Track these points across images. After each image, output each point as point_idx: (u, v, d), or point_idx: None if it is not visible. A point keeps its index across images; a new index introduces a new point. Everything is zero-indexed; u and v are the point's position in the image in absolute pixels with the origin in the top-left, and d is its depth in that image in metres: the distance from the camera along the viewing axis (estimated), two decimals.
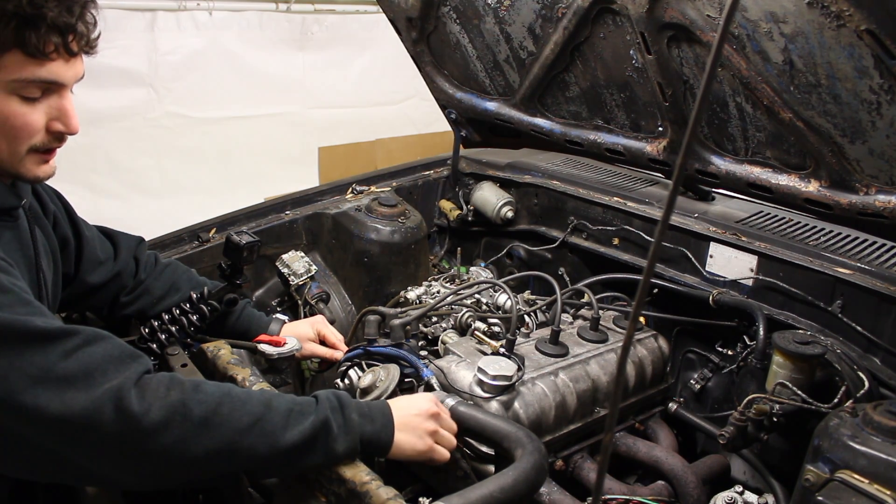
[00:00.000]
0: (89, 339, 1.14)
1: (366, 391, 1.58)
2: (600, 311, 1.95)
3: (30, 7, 1.14)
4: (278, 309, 2.28)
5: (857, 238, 1.99)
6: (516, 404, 1.61)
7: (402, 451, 1.34)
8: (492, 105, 2.54)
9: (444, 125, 2.83)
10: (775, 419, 1.64)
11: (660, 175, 2.43)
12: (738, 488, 1.66)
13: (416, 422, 1.36)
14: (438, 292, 2.29)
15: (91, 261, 1.63)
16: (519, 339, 1.81)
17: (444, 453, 1.40)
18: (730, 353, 2.01)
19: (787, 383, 1.65)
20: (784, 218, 2.15)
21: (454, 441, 1.43)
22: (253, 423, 1.19)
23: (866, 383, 1.65)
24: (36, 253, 1.39)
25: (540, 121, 2.44)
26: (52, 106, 1.24)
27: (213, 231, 2.21)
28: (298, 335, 1.81)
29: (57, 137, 1.27)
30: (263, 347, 1.74)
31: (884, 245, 1.95)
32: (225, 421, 1.17)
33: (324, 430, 1.23)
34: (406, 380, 1.62)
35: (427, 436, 1.37)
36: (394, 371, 1.59)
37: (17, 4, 1.14)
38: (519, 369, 1.62)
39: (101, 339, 1.16)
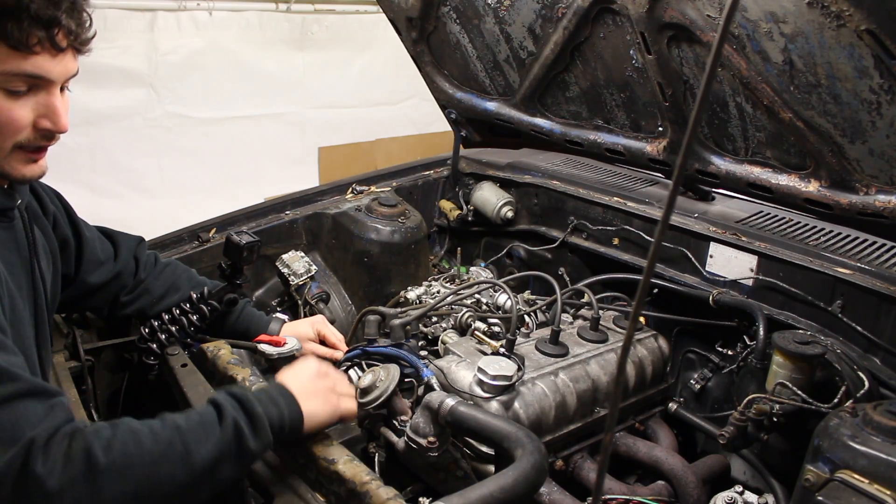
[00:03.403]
0: (17, 392, 1.07)
1: (366, 391, 1.58)
2: (600, 311, 1.95)
3: (26, 2, 1.11)
4: (278, 309, 2.28)
5: (857, 238, 1.99)
6: (516, 404, 1.61)
7: (314, 419, 1.33)
8: (492, 105, 2.54)
9: (444, 125, 2.83)
10: (775, 419, 1.64)
11: (660, 175, 2.43)
12: (738, 488, 1.66)
13: (314, 385, 1.35)
14: (438, 292, 2.29)
15: (91, 261, 1.63)
16: (519, 339, 1.81)
17: (352, 406, 1.42)
18: (730, 353, 2.01)
19: (787, 383, 1.65)
20: (784, 218, 2.15)
21: (352, 391, 1.44)
22: (165, 450, 1.12)
23: (866, 383, 1.65)
24: (35, 254, 1.38)
25: (540, 121, 2.44)
26: (40, 102, 1.20)
27: (213, 231, 2.21)
28: (298, 335, 1.81)
29: (45, 136, 1.23)
30: (263, 347, 1.74)
31: (884, 245, 1.95)
32: (135, 458, 1.10)
33: (236, 435, 1.19)
34: (406, 380, 1.62)
35: (330, 394, 1.37)
36: (394, 371, 1.59)
37: None
38: (519, 369, 1.62)
39: (25, 391, 1.07)
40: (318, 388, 1.37)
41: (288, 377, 1.37)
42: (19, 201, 1.34)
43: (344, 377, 1.44)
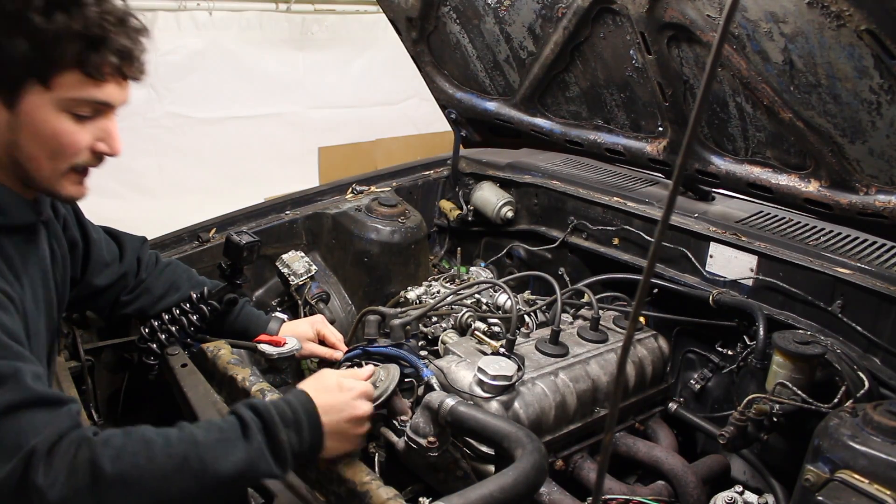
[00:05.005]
0: (25, 401, 1.05)
1: None
2: (600, 311, 1.95)
3: (98, 29, 1.16)
4: (278, 309, 2.28)
5: (857, 238, 1.99)
6: (516, 404, 1.61)
7: (331, 454, 1.31)
8: (492, 105, 2.54)
9: (444, 125, 2.83)
10: (775, 419, 1.64)
11: (660, 175, 2.43)
12: (738, 488, 1.66)
13: (346, 428, 1.31)
14: (438, 292, 2.29)
15: (98, 263, 1.63)
16: (519, 339, 1.81)
17: (362, 443, 1.39)
18: (730, 353, 2.01)
19: (787, 383, 1.65)
20: (784, 218, 2.15)
21: (368, 424, 1.39)
22: (180, 465, 1.09)
23: (866, 383, 1.65)
24: (53, 265, 1.39)
25: (540, 121, 2.44)
26: (99, 127, 1.25)
27: (213, 231, 2.21)
28: (298, 335, 1.81)
29: (98, 158, 1.28)
30: (263, 347, 1.74)
31: (884, 245, 1.95)
32: (145, 472, 1.06)
33: (257, 459, 1.16)
34: (406, 380, 1.62)
35: (355, 438, 1.34)
36: (394, 371, 1.58)
37: (85, 25, 1.15)
38: (519, 369, 1.62)
39: (33, 400, 1.06)
40: (350, 431, 1.32)
41: (328, 405, 1.29)
42: (43, 215, 1.36)
43: (369, 406, 1.39)
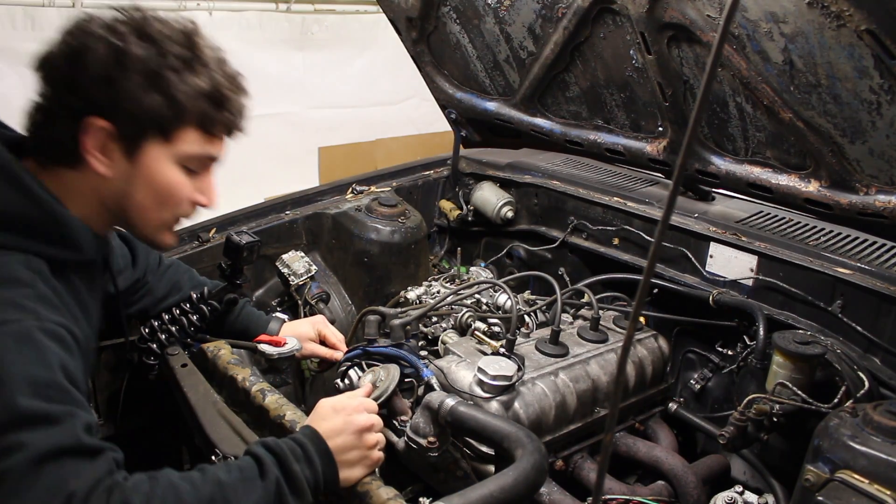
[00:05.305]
0: (71, 449, 1.05)
1: None
2: (600, 311, 1.95)
3: (221, 90, 1.25)
4: (278, 309, 2.28)
5: (857, 238, 1.99)
6: (516, 404, 1.61)
7: (349, 480, 1.31)
8: (492, 105, 2.54)
9: (444, 125, 2.83)
10: (775, 419, 1.64)
11: (660, 175, 2.43)
12: (738, 488, 1.66)
13: (354, 443, 1.31)
14: (438, 292, 2.29)
15: (113, 270, 1.63)
16: (519, 339, 1.81)
17: (381, 455, 1.38)
18: (730, 353, 2.01)
19: (787, 383, 1.65)
20: (784, 218, 2.15)
21: (383, 438, 1.39)
22: None
23: (866, 383, 1.65)
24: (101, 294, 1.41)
25: (540, 121, 2.44)
26: (202, 180, 1.32)
27: (213, 231, 2.21)
28: (299, 335, 1.81)
29: (193, 209, 1.35)
30: (264, 347, 1.73)
31: (884, 245, 1.95)
32: None
33: (277, 493, 1.17)
34: (406, 380, 1.62)
35: (369, 453, 1.34)
36: (394, 371, 1.59)
37: (213, 86, 1.24)
38: (519, 369, 1.62)
39: (78, 449, 1.06)
40: (361, 457, 1.32)
41: (325, 430, 1.30)
42: (107, 250, 1.39)
43: (379, 422, 1.39)
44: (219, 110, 1.26)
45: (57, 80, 1.20)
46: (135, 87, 1.18)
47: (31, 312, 1.11)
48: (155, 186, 1.25)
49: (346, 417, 1.33)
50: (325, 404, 1.37)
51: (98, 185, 1.24)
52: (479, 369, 1.60)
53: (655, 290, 2.11)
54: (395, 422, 1.55)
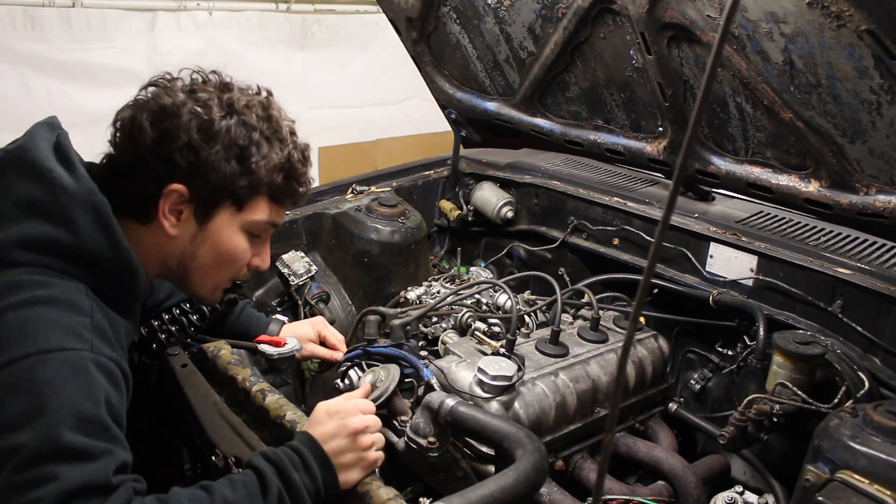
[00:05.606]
0: (101, 487, 1.07)
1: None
2: (600, 311, 1.95)
3: (293, 163, 1.33)
4: (278, 309, 2.28)
5: (857, 238, 1.99)
6: (516, 404, 1.61)
7: (349, 483, 1.31)
8: (492, 105, 2.54)
9: (444, 125, 2.83)
10: (775, 419, 1.64)
11: (660, 175, 2.43)
12: (738, 488, 1.66)
13: (350, 446, 1.31)
14: (438, 292, 2.29)
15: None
16: (519, 340, 1.81)
17: (381, 455, 1.37)
18: (730, 353, 2.01)
19: (788, 383, 1.65)
20: (784, 218, 2.15)
21: (381, 438, 1.39)
22: None
23: (866, 383, 1.65)
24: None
25: (540, 121, 2.44)
26: (262, 244, 1.39)
27: None
28: (299, 336, 1.81)
29: (251, 272, 1.40)
30: (264, 348, 1.74)
31: (884, 245, 1.95)
32: None
33: (278, 502, 1.18)
34: (406, 380, 1.62)
35: (367, 454, 1.33)
36: (394, 371, 1.59)
37: (288, 160, 1.31)
38: (519, 369, 1.62)
39: (107, 487, 1.07)
40: (352, 447, 1.31)
41: (320, 435, 1.30)
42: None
43: (378, 422, 1.39)
44: (289, 182, 1.33)
45: (143, 146, 1.24)
46: (218, 158, 1.23)
47: (87, 342, 1.13)
48: (219, 251, 1.31)
49: (340, 421, 1.32)
50: (320, 408, 1.37)
51: (163, 242, 1.29)
52: (480, 369, 1.60)
53: (655, 291, 2.11)
54: (395, 422, 1.55)
